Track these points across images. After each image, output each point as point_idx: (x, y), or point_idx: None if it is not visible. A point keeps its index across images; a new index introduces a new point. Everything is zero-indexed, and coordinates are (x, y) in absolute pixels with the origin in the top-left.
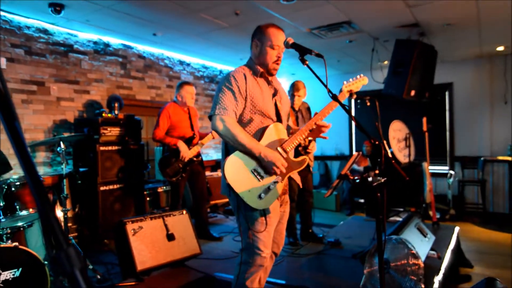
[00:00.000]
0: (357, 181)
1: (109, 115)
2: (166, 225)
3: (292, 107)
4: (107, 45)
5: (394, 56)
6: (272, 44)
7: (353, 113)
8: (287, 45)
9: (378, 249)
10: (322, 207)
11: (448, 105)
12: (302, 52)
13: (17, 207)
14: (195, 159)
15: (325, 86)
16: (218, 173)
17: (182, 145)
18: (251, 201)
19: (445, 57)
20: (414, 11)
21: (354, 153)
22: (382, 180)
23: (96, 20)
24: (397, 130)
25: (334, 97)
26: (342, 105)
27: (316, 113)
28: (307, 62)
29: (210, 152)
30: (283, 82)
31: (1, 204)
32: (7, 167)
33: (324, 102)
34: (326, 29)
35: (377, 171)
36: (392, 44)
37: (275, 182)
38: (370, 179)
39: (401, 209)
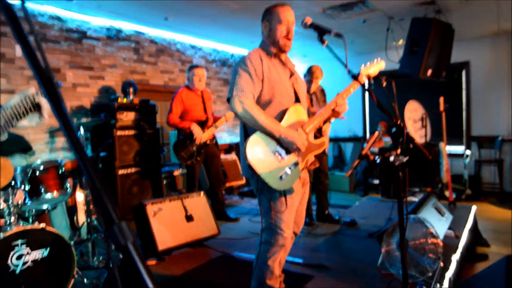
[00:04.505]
0: (378, 161)
1: (125, 100)
2: (184, 207)
3: (308, 91)
4: (119, 31)
5: (410, 35)
6: (280, 19)
7: (367, 95)
8: (305, 25)
9: (400, 228)
10: (336, 188)
11: (465, 84)
12: (321, 32)
13: (42, 190)
14: (209, 142)
15: (345, 66)
16: (232, 156)
17: (195, 128)
18: (273, 182)
19: (462, 35)
20: None
21: (376, 132)
22: (404, 160)
23: (108, 5)
24: (413, 111)
25: (355, 78)
26: (363, 86)
27: (338, 94)
28: (326, 43)
29: (224, 135)
30: (295, 64)
31: (27, 188)
32: (31, 151)
33: (338, 84)
34: (339, 9)
35: (398, 151)
36: (407, 22)
37: (296, 163)
38: (391, 158)
39: (417, 189)
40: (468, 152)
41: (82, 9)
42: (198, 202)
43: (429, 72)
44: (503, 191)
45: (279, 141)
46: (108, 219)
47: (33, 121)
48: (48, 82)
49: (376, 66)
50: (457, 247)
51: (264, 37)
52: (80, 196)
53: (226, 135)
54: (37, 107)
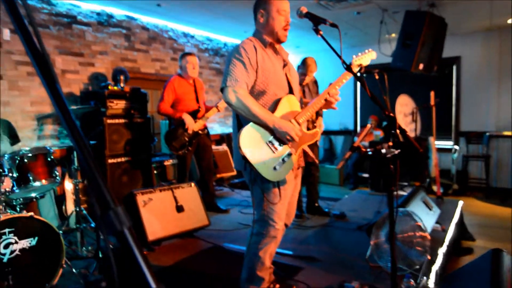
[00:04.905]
0: (370, 153)
1: (115, 88)
2: (175, 197)
3: (300, 83)
4: (110, 16)
5: (403, 28)
6: (278, 9)
7: (358, 88)
8: (300, 14)
9: (390, 221)
10: (325, 181)
11: (455, 79)
12: (316, 21)
13: (30, 178)
14: (200, 132)
15: (340, 57)
16: (224, 147)
17: (187, 117)
18: (266, 173)
19: (454, 30)
20: None
21: (368, 125)
22: (396, 152)
23: None
24: (404, 105)
25: (348, 68)
26: (356, 76)
27: (330, 84)
28: (321, 32)
29: (215, 126)
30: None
31: (15, 175)
32: (16, 139)
33: (330, 75)
34: None
35: (390, 143)
36: (401, 16)
37: (289, 154)
38: (383, 150)
39: (406, 183)
40: (456, 147)
41: None
42: (189, 193)
43: (421, 66)
44: (489, 187)
45: (273, 131)
46: (103, 204)
47: None
48: (43, 63)
49: (367, 56)
50: (443, 241)
51: (259, 26)
52: (68, 185)
53: (218, 125)
54: None
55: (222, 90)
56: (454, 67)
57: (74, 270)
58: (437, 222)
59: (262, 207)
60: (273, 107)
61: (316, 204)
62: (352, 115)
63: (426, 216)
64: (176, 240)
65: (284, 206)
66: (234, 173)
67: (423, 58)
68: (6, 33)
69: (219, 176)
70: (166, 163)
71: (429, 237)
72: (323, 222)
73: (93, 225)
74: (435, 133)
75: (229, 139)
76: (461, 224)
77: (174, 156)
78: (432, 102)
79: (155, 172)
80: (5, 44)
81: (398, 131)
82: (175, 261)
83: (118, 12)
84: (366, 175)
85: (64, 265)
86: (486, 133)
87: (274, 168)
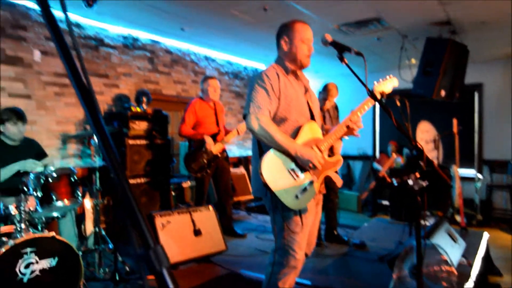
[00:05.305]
0: (396, 184)
1: (138, 109)
2: (193, 220)
3: (321, 108)
4: (135, 39)
5: (424, 55)
6: (302, 38)
7: (377, 113)
8: (325, 42)
9: (417, 256)
10: (343, 207)
11: (478, 106)
12: (341, 49)
13: (53, 197)
14: (219, 155)
15: (364, 85)
16: (241, 170)
17: (208, 138)
18: (288, 201)
19: (475, 57)
20: (447, 8)
21: (393, 154)
22: (424, 184)
23: (127, 14)
24: (425, 131)
25: (373, 96)
26: (381, 103)
27: (352, 111)
28: (346, 61)
29: (233, 148)
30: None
31: (39, 195)
32: (43, 156)
33: (349, 101)
34: (354, 25)
35: (417, 174)
36: (421, 42)
37: (311, 182)
38: (410, 182)
39: (428, 213)
40: (479, 176)
41: (101, 16)
42: (207, 216)
43: (443, 93)
44: None
45: (295, 159)
46: (144, 243)
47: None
48: (87, 95)
49: (389, 82)
50: (469, 276)
51: (281, 53)
52: (88, 203)
53: (236, 148)
54: None
55: (244, 116)
56: (476, 94)
57: None
58: (463, 256)
59: (282, 235)
60: (295, 134)
61: (335, 232)
62: (371, 140)
63: (451, 249)
64: (192, 264)
65: (305, 235)
66: (251, 197)
67: (445, 85)
68: (37, 55)
69: (236, 199)
70: (184, 185)
71: (455, 272)
72: (343, 251)
73: (111, 246)
74: (458, 161)
75: (247, 162)
76: (487, 257)
77: (192, 178)
78: (455, 129)
79: (173, 193)
80: (35, 65)
81: (425, 162)
82: (191, 287)
83: (144, 36)
84: (385, 202)
85: (82, 287)
86: (510, 162)
87: (296, 197)
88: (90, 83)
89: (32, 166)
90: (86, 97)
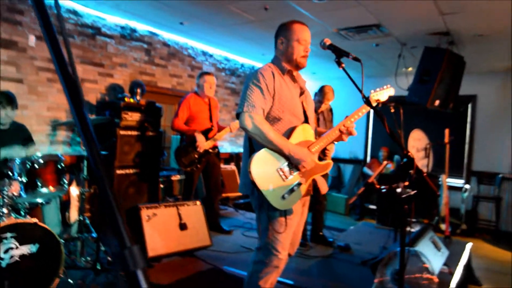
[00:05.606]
0: (384, 190)
1: (131, 100)
2: (179, 214)
3: (316, 111)
4: (133, 30)
5: (421, 64)
6: (299, 38)
7: (371, 118)
8: (324, 46)
9: (400, 263)
10: (331, 209)
11: (470, 117)
12: (339, 54)
13: (39, 184)
14: (211, 150)
15: (360, 91)
16: (232, 166)
17: (199, 135)
18: (274, 201)
19: (471, 68)
20: (446, 19)
21: (384, 161)
22: (412, 193)
23: (126, 5)
24: (417, 139)
25: (368, 103)
26: (377, 112)
27: (346, 116)
28: (343, 65)
29: (225, 144)
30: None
31: (24, 180)
32: (30, 142)
33: (344, 104)
34: (354, 30)
35: (406, 183)
36: (419, 51)
37: (299, 184)
38: (399, 190)
39: (414, 220)
40: (467, 186)
41: (100, 6)
42: (194, 211)
43: (437, 102)
44: (498, 230)
45: (288, 158)
46: (120, 242)
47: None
48: (72, 86)
49: (385, 91)
50: (449, 284)
51: (278, 53)
52: (74, 191)
53: (228, 144)
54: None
55: (238, 115)
56: (470, 106)
57: (70, 281)
58: (444, 264)
59: (267, 235)
60: (288, 135)
61: (321, 233)
62: (362, 145)
63: (434, 257)
64: (176, 258)
65: (289, 236)
66: (240, 193)
67: (440, 95)
68: (32, 40)
69: (224, 195)
70: (173, 178)
71: (436, 280)
72: (327, 253)
73: (94, 235)
74: (448, 171)
75: (238, 159)
76: (468, 267)
77: (182, 172)
78: (447, 139)
79: (161, 186)
80: (30, 49)
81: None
82: (173, 280)
83: (142, 27)
84: (373, 207)
85: (62, 275)
86: (498, 175)
87: (283, 197)
88: (76, 72)
89: (19, 153)
90: (70, 86)
